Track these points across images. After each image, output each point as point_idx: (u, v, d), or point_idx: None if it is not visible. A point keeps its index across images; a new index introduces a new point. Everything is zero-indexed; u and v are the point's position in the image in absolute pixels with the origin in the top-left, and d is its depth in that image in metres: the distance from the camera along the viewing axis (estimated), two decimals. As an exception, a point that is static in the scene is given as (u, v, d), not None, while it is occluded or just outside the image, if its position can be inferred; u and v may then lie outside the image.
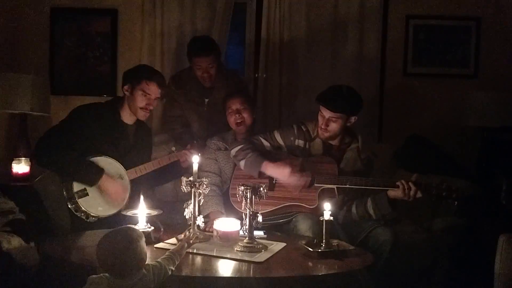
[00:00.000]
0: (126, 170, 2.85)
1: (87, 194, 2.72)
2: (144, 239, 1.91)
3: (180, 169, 3.09)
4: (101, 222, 2.74)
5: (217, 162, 3.13)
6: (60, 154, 2.69)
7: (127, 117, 2.93)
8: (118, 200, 2.79)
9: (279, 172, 2.79)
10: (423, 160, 3.57)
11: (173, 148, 3.09)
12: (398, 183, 2.61)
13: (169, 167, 3.04)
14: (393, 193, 2.67)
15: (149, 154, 3.10)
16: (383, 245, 2.66)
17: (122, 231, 1.90)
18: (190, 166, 2.98)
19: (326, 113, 2.82)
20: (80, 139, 2.75)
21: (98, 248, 1.84)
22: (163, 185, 3.33)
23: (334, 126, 2.84)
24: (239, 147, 2.95)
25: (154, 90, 2.88)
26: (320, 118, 2.87)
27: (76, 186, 2.70)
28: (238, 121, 3.13)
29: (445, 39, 4.17)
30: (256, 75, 4.11)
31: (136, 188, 2.87)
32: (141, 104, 2.87)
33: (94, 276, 1.84)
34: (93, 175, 2.70)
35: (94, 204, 2.72)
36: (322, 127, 2.85)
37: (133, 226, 1.93)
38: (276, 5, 4.00)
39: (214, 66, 3.48)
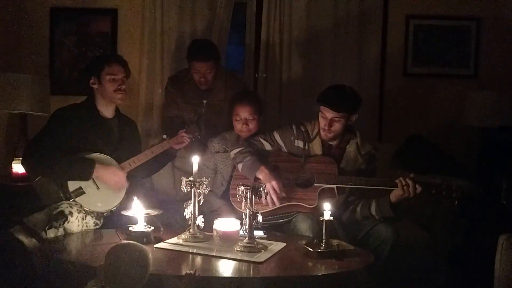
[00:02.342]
0: (119, 164, 2.84)
1: (83, 193, 2.71)
2: (150, 264, 1.88)
3: (172, 152, 3.10)
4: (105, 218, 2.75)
5: (215, 165, 3.16)
6: (49, 159, 2.67)
7: (106, 111, 2.90)
8: (119, 187, 2.78)
9: (268, 182, 2.78)
10: (423, 160, 3.57)
11: (164, 136, 3.07)
12: (396, 181, 2.61)
13: (161, 153, 3.02)
14: (395, 193, 2.66)
15: (139, 146, 3.07)
16: (383, 243, 2.66)
17: (139, 248, 1.88)
18: (183, 147, 3.07)
19: (329, 114, 2.81)
20: (66, 141, 2.73)
21: (109, 253, 1.83)
22: (158, 171, 3.28)
23: (337, 126, 2.83)
24: (238, 149, 2.96)
25: (118, 69, 2.86)
26: (321, 120, 2.86)
27: (71, 186, 2.70)
28: (244, 130, 3.12)
29: (445, 39, 4.17)
30: (256, 75, 4.11)
31: (133, 182, 2.87)
32: (113, 88, 2.84)
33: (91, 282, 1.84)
34: (86, 169, 2.69)
35: (92, 201, 2.72)
36: (326, 128, 2.83)
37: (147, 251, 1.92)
38: (276, 5, 4.00)
39: (212, 71, 3.46)
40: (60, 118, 2.79)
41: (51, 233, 2.46)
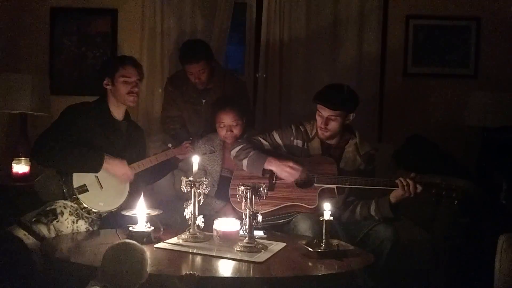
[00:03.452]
0: None
1: (87, 190, 2.71)
2: (147, 261, 1.90)
3: (174, 162, 3.11)
4: (102, 222, 2.75)
5: (203, 166, 3.15)
6: (59, 150, 2.68)
7: (117, 112, 2.91)
8: (125, 178, 2.79)
9: (283, 166, 2.79)
10: (423, 160, 3.57)
11: (169, 145, 3.08)
12: (397, 181, 2.61)
13: (164, 162, 3.04)
14: (395, 193, 2.65)
15: (144, 153, 3.08)
16: (383, 243, 2.65)
17: (135, 246, 1.90)
18: (186, 158, 3.06)
19: (325, 112, 2.81)
20: (75, 138, 2.74)
21: (106, 253, 1.84)
22: (160, 179, 3.30)
23: (333, 125, 2.83)
24: (239, 147, 2.95)
25: (132, 71, 2.88)
26: (318, 118, 2.86)
27: (76, 182, 2.70)
28: (228, 136, 3.12)
29: (445, 39, 4.17)
30: (256, 75, 4.11)
31: (135, 186, 2.88)
32: (126, 90, 2.85)
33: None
34: (96, 160, 2.71)
35: (94, 200, 2.72)
36: (322, 126, 2.83)
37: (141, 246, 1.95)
38: (276, 5, 4.00)
39: (206, 71, 3.45)
40: (72, 114, 2.81)
41: (42, 229, 2.48)
